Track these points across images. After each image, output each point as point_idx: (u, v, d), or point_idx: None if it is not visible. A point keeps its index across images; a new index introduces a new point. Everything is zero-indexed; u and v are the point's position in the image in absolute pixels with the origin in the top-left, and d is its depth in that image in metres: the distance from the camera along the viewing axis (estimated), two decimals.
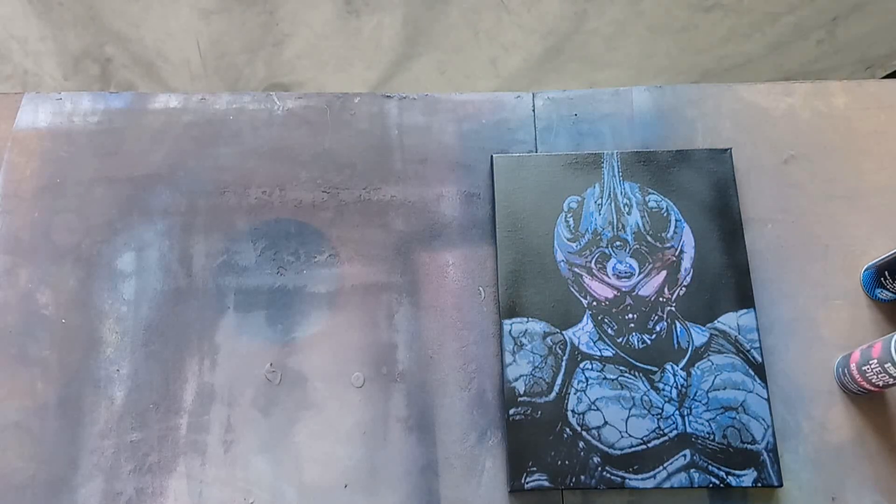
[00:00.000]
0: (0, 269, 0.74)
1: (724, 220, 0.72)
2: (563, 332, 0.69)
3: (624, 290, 0.71)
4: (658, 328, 0.69)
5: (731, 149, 0.75)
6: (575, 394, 0.67)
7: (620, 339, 0.69)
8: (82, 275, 0.73)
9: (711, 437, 0.66)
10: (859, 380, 0.64)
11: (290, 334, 0.72)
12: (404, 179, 0.77)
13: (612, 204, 0.74)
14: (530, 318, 0.70)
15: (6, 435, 0.68)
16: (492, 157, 0.76)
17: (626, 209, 0.73)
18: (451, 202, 0.76)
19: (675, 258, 0.71)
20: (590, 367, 0.68)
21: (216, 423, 0.69)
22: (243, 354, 0.71)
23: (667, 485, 0.64)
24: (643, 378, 0.68)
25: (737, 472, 0.64)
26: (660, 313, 0.70)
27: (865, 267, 0.72)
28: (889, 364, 0.59)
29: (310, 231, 0.75)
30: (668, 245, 0.72)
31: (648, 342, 0.69)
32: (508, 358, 0.69)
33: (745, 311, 0.69)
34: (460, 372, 0.71)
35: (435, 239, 0.75)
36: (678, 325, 0.69)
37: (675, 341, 0.69)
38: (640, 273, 0.71)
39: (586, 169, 0.75)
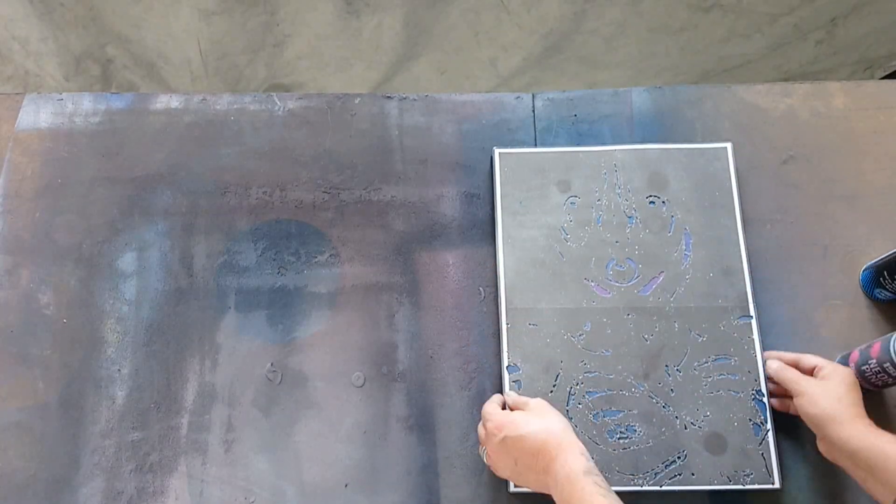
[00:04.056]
0: (1, 269, 0.74)
1: (723, 217, 0.72)
2: (563, 333, 0.69)
3: (623, 290, 0.71)
4: (657, 328, 0.69)
5: (729, 144, 0.75)
6: (575, 394, 0.67)
7: (620, 339, 0.69)
8: (83, 275, 0.74)
9: (711, 437, 0.66)
10: (858, 379, 0.64)
11: (291, 334, 0.72)
12: (404, 180, 0.78)
13: (612, 204, 0.74)
14: (531, 319, 0.70)
15: (7, 434, 0.68)
16: (493, 150, 0.76)
17: (626, 209, 0.73)
18: (451, 202, 0.77)
19: (674, 258, 0.71)
20: (589, 366, 0.68)
21: (217, 422, 0.69)
22: (244, 354, 0.71)
23: (666, 485, 0.64)
24: (642, 378, 0.68)
25: (736, 472, 0.64)
26: (659, 313, 0.70)
27: (864, 267, 0.72)
28: (888, 364, 0.60)
29: (310, 231, 0.76)
30: (668, 245, 0.72)
31: (647, 342, 0.69)
32: (508, 358, 0.69)
33: (744, 315, 0.69)
34: (460, 372, 0.71)
35: (435, 239, 0.75)
36: (677, 324, 0.69)
37: (674, 341, 0.69)
38: (639, 273, 0.71)
39: (586, 168, 0.75)
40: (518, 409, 0.62)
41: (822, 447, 0.61)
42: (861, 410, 0.59)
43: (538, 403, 0.61)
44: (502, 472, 0.61)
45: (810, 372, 0.64)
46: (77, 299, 0.73)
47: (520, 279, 0.71)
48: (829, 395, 0.60)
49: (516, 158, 0.75)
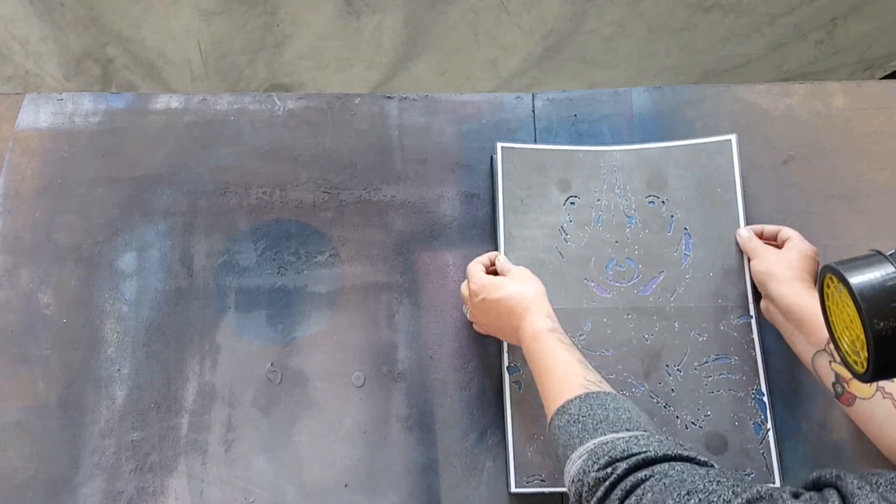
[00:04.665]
0: (1, 269, 0.74)
1: (723, 217, 0.72)
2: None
3: (623, 290, 0.71)
4: (657, 328, 0.69)
5: (734, 136, 0.74)
6: None
7: (620, 339, 0.69)
8: (83, 275, 0.74)
9: (711, 436, 0.66)
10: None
11: (291, 334, 0.72)
12: (404, 180, 0.78)
13: (612, 204, 0.74)
14: None
15: (7, 434, 0.68)
16: (496, 144, 0.75)
17: (626, 209, 0.73)
18: (451, 202, 0.77)
19: (674, 257, 0.71)
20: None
21: (217, 422, 0.69)
22: (244, 354, 0.71)
23: None
24: (643, 378, 0.68)
25: (737, 471, 0.64)
26: (659, 313, 0.70)
27: None
28: None
29: (310, 231, 0.76)
30: (668, 244, 0.72)
31: (648, 342, 0.69)
32: (508, 358, 0.69)
33: (744, 314, 0.69)
34: (460, 372, 0.71)
35: (435, 239, 0.75)
36: (677, 324, 0.69)
37: (675, 340, 0.69)
38: (639, 273, 0.71)
39: (586, 168, 0.75)
40: (502, 274, 0.67)
41: (763, 306, 0.67)
42: (806, 276, 0.63)
43: (520, 270, 0.66)
44: (482, 329, 0.69)
45: (783, 244, 0.68)
46: (77, 299, 0.73)
47: None
48: (779, 258, 0.65)
49: (518, 154, 0.75)
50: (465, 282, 0.68)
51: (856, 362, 0.39)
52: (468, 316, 0.70)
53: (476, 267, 0.67)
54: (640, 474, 0.42)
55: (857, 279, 0.38)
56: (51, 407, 0.69)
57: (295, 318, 0.72)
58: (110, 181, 0.77)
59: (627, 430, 0.48)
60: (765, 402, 0.66)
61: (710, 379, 0.67)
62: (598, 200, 0.74)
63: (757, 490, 0.37)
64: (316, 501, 0.67)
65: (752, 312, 0.69)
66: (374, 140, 0.79)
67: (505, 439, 0.67)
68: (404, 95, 0.81)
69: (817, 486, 0.38)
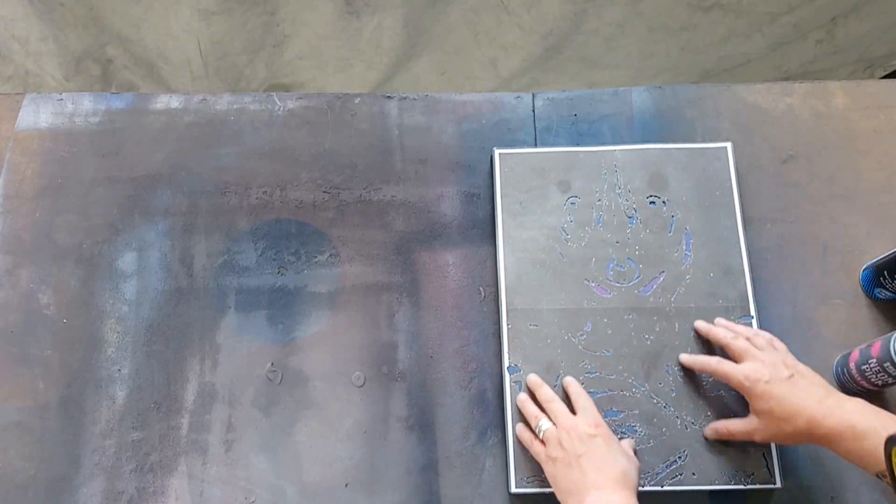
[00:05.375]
0: (1, 269, 0.74)
1: (723, 217, 0.72)
2: (564, 333, 0.69)
3: (624, 290, 0.71)
4: (658, 328, 0.69)
5: (729, 144, 0.75)
6: None
7: (621, 340, 0.69)
8: (84, 275, 0.74)
9: None
10: (858, 379, 0.64)
11: (291, 334, 0.72)
12: (405, 179, 0.78)
13: (612, 204, 0.74)
14: (531, 320, 0.70)
15: (8, 434, 0.68)
16: (493, 150, 0.76)
17: (626, 209, 0.73)
18: (451, 202, 0.77)
19: (675, 258, 0.71)
20: (590, 367, 0.68)
21: (217, 422, 0.69)
22: (244, 354, 0.71)
23: (668, 485, 0.64)
24: (643, 378, 0.68)
25: (737, 472, 0.64)
26: (660, 313, 0.70)
27: (864, 266, 0.72)
28: (888, 363, 0.60)
29: (310, 231, 0.76)
30: (668, 245, 0.72)
31: (648, 342, 0.69)
32: (509, 359, 0.69)
33: (744, 314, 0.69)
34: (460, 371, 0.71)
35: (435, 239, 0.75)
36: (678, 324, 0.69)
37: (675, 341, 0.69)
38: (640, 274, 0.71)
39: (586, 168, 0.75)
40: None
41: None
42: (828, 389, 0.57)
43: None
44: (560, 477, 0.58)
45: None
46: (77, 299, 0.73)
47: (520, 280, 0.71)
48: (770, 430, 0.59)
49: (516, 159, 0.75)
50: (523, 427, 0.65)
51: None
52: (541, 456, 0.61)
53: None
54: None
55: None
56: (51, 407, 0.69)
57: (295, 318, 0.72)
58: (110, 181, 0.77)
59: None
60: None
61: (710, 379, 0.67)
62: (599, 200, 0.74)
63: None
64: (316, 501, 0.67)
65: (752, 313, 0.69)
66: (374, 140, 0.79)
67: (505, 439, 0.67)
68: (404, 95, 0.81)
69: None
